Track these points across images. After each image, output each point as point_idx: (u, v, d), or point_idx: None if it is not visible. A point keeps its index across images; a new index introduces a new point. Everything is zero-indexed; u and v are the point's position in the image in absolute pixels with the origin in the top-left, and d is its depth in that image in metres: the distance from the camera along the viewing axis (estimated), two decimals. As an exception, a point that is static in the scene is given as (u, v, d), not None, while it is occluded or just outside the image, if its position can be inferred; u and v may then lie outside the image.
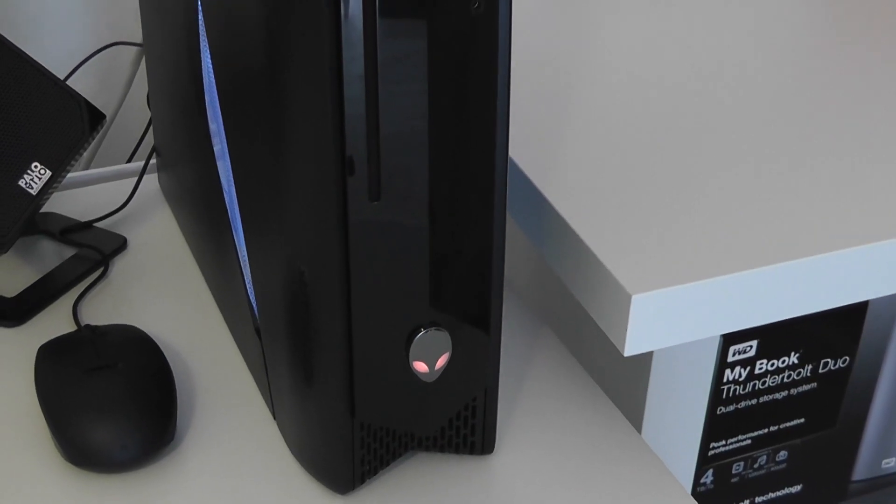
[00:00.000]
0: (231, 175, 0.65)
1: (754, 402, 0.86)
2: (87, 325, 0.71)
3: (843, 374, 0.88)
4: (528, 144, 0.73)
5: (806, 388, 0.87)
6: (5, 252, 0.75)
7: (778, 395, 0.86)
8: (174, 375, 0.69)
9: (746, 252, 0.64)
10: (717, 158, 0.73)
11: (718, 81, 0.81)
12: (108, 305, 0.77)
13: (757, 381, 0.85)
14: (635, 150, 0.73)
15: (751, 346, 0.83)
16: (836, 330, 0.86)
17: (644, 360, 0.81)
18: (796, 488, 0.93)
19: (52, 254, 0.82)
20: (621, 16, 0.91)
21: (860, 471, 0.96)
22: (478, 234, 0.58)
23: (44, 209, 0.86)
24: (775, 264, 0.64)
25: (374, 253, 0.56)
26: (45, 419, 0.66)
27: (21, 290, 0.78)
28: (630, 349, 0.63)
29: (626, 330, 0.62)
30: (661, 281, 0.62)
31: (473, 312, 0.60)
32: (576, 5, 0.93)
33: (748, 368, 0.84)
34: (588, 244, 0.65)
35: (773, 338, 0.83)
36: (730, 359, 0.83)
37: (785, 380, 0.86)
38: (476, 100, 0.55)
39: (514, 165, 0.71)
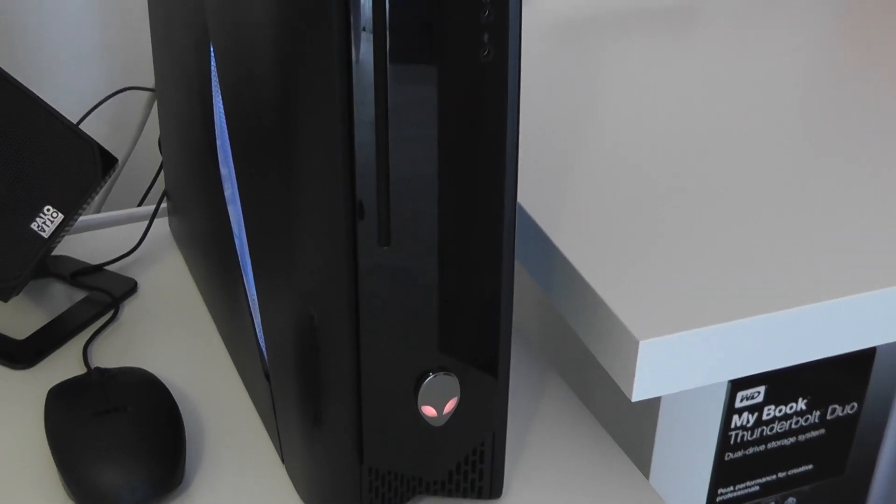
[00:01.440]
0: (241, 219, 0.66)
1: (762, 448, 0.85)
2: (97, 368, 0.71)
3: (851, 420, 0.88)
4: (536, 189, 0.74)
5: (814, 434, 0.87)
6: (17, 294, 0.76)
7: (786, 442, 0.86)
8: (183, 418, 0.70)
9: (754, 298, 0.64)
10: (724, 205, 0.73)
11: (726, 128, 0.82)
12: (117, 348, 0.78)
13: (765, 427, 0.85)
14: (643, 196, 0.74)
15: (758, 392, 0.83)
16: (844, 376, 0.86)
17: (652, 406, 0.81)
18: (805, 535, 0.92)
19: (63, 296, 0.83)
20: (631, 62, 0.91)
21: (869, 518, 0.95)
22: (486, 278, 0.59)
23: (55, 252, 0.87)
24: (783, 310, 0.64)
25: (384, 297, 0.56)
26: (55, 461, 0.66)
27: (31, 332, 0.79)
28: (638, 394, 0.63)
29: (633, 375, 0.62)
30: (668, 326, 0.62)
31: (482, 357, 0.61)
32: (585, 52, 0.93)
33: (756, 414, 0.84)
34: (596, 289, 0.65)
35: (781, 384, 0.83)
36: (738, 404, 0.82)
37: (793, 426, 0.86)
38: (485, 145, 0.55)
39: (523, 210, 0.72)
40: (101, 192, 1.04)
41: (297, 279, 0.58)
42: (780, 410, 0.84)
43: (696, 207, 0.72)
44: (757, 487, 0.87)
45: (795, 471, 0.88)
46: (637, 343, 0.61)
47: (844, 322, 0.66)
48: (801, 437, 0.87)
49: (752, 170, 0.77)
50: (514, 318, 0.62)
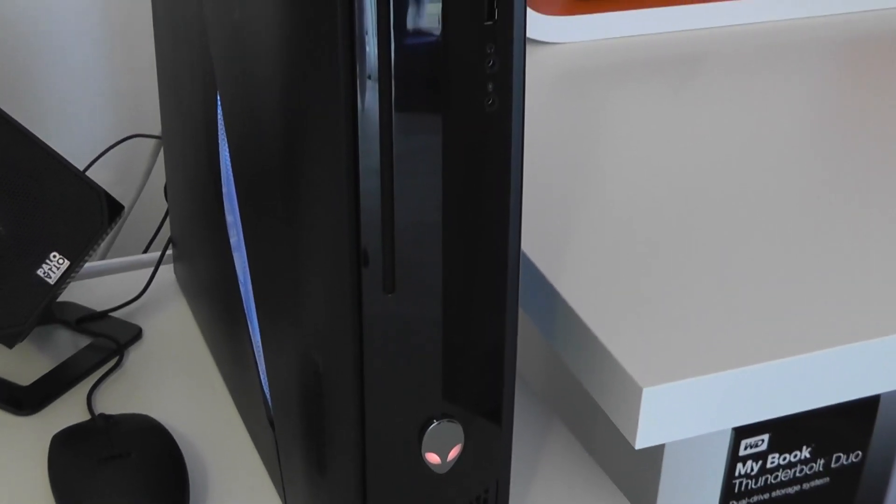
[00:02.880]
0: (247, 266, 0.66)
1: (766, 496, 0.85)
2: (101, 415, 0.72)
3: (855, 468, 0.88)
4: (539, 237, 0.74)
5: (818, 482, 0.87)
6: (22, 340, 0.76)
7: (790, 490, 0.86)
8: (187, 465, 0.70)
9: (758, 345, 0.65)
10: (728, 252, 0.73)
11: (730, 176, 0.82)
12: (122, 395, 0.78)
13: (769, 476, 0.84)
14: (646, 244, 0.74)
15: (762, 440, 0.83)
16: (849, 424, 0.86)
17: (656, 453, 0.81)
18: (810, 585, 0.92)
19: (68, 343, 0.83)
20: (634, 111, 0.92)
21: (875, 567, 0.95)
22: (490, 325, 0.59)
23: (60, 298, 0.87)
24: (786, 357, 0.64)
25: (388, 344, 0.57)
26: (58, 508, 0.66)
27: (36, 378, 0.79)
28: (641, 442, 0.63)
29: (637, 422, 0.62)
30: (672, 374, 0.62)
31: (486, 404, 0.61)
32: (588, 102, 0.94)
33: (760, 462, 0.83)
34: (599, 336, 0.65)
35: (785, 431, 0.83)
36: (741, 452, 0.82)
37: (797, 474, 0.86)
38: (490, 194, 0.56)
39: (526, 258, 0.72)
40: (107, 238, 1.05)
41: (302, 326, 0.59)
42: (785, 458, 0.84)
43: (700, 255, 0.73)
44: (761, 536, 0.87)
45: (800, 519, 0.88)
46: (640, 390, 0.61)
47: (848, 369, 0.66)
48: (806, 486, 0.87)
49: (755, 217, 0.77)
50: (517, 364, 0.62)
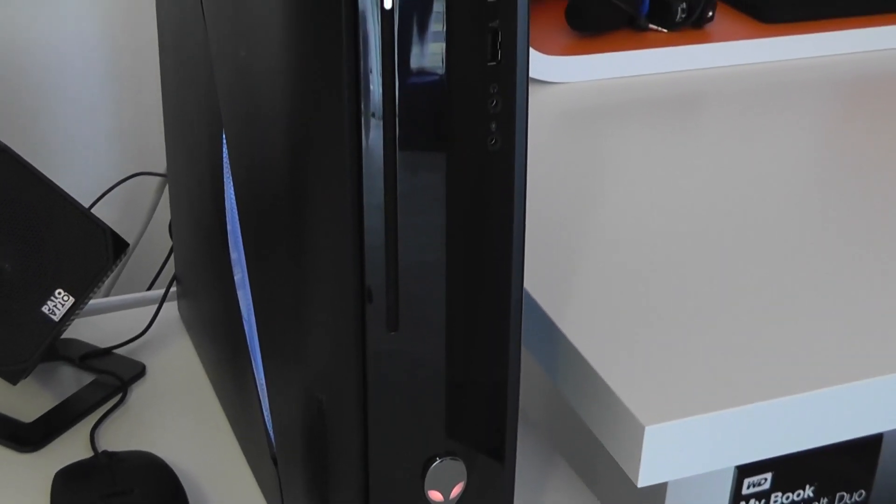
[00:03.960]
0: (251, 303, 0.66)
1: (770, 535, 0.85)
2: (105, 452, 0.72)
3: (859, 507, 0.88)
4: (542, 275, 0.74)
5: (822, 521, 0.87)
6: (26, 377, 0.76)
7: (794, 529, 0.86)
8: (190, 502, 0.70)
9: (761, 383, 0.65)
10: (729, 290, 0.73)
11: (731, 215, 0.83)
12: (125, 432, 0.78)
13: (772, 514, 0.84)
14: (648, 282, 0.74)
15: (765, 479, 0.82)
16: (852, 462, 0.85)
17: (658, 492, 0.80)
18: None
19: (71, 379, 0.83)
20: (637, 150, 0.92)
21: None
22: (493, 363, 0.59)
23: (64, 335, 0.87)
24: (790, 395, 0.64)
25: (392, 382, 0.57)
26: (61, 545, 0.66)
27: (39, 415, 0.79)
28: (644, 480, 0.63)
29: (639, 461, 0.62)
30: (674, 412, 0.62)
31: (488, 442, 0.61)
32: (591, 141, 0.95)
33: (763, 501, 0.83)
34: (601, 374, 0.65)
35: (788, 470, 0.83)
36: (744, 491, 0.82)
37: (800, 513, 0.85)
38: (492, 231, 0.56)
39: (529, 296, 0.72)
40: (111, 275, 1.05)
41: (306, 363, 0.59)
42: (788, 497, 0.84)
43: (702, 293, 0.73)
44: (765, 576, 0.87)
45: (803, 559, 0.88)
46: (643, 429, 0.61)
47: (851, 408, 0.66)
48: (809, 525, 0.86)
49: (757, 256, 0.77)
50: (520, 402, 0.62)
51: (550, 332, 0.70)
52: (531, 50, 0.89)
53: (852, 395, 0.65)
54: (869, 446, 0.86)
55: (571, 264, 0.76)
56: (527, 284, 0.74)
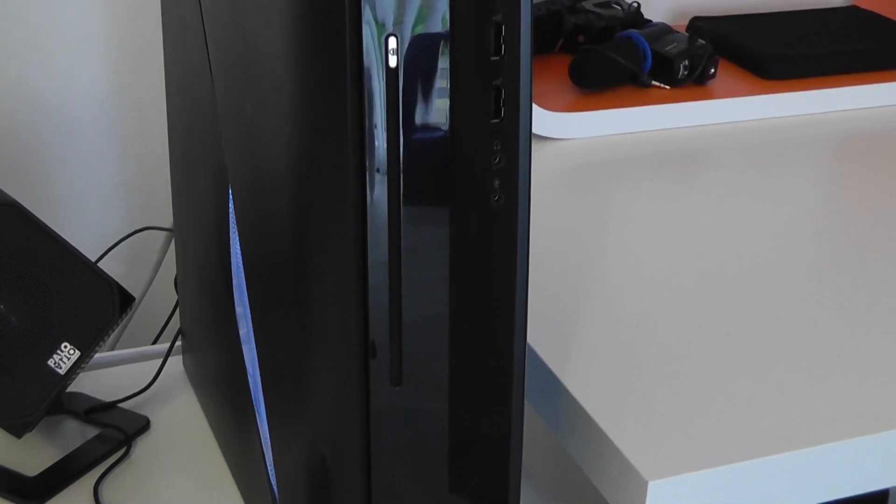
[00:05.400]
0: (255, 358, 0.66)
1: (775, 592, 0.84)
2: (108, 506, 0.72)
3: (864, 564, 0.87)
4: (545, 330, 0.74)
5: (827, 578, 0.86)
6: (30, 431, 0.76)
7: (799, 586, 0.85)
8: (193, 557, 0.69)
9: (764, 437, 0.65)
10: (732, 346, 0.73)
11: (733, 271, 0.83)
12: (129, 486, 0.78)
13: (777, 571, 0.84)
14: (650, 337, 0.74)
15: (770, 535, 0.82)
16: (856, 519, 0.85)
17: (663, 548, 0.80)
18: None
19: (76, 433, 0.83)
20: (639, 206, 0.93)
21: None
22: (497, 418, 0.59)
23: (69, 389, 0.87)
24: (792, 451, 0.64)
25: (395, 437, 0.57)
26: None
27: (43, 469, 0.79)
28: (648, 535, 0.62)
29: (643, 516, 0.62)
30: (678, 467, 0.62)
31: (492, 497, 0.61)
32: (594, 196, 0.95)
33: (768, 557, 0.83)
34: (604, 429, 0.65)
35: (793, 526, 0.83)
36: (749, 547, 0.82)
37: (805, 570, 0.85)
38: (496, 287, 0.56)
39: (532, 351, 0.72)
40: (117, 329, 1.05)
41: (310, 418, 0.59)
42: (792, 554, 0.84)
43: (704, 348, 0.73)
44: None
45: None
46: (646, 483, 0.61)
47: (856, 463, 0.66)
48: (814, 582, 0.86)
49: (759, 312, 0.77)
50: (523, 457, 0.62)
51: (554, 387, 0.70)
52: (534, 106, 0.90)
53: (857, 451, 0.65)
54: (874, 502, 0.85)
55: (574, 319, 0.76)
56: (530, 339, 0.74)
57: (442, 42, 0.52)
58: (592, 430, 0.66)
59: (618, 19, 1.16)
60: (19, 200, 0.76)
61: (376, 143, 0.52)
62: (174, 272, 0.90)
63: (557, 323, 0.76)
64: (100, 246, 0.99)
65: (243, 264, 0.67)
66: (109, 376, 0.89)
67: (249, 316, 0.66)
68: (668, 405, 0.68)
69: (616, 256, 0.84)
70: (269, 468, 0.67)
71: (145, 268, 1.08)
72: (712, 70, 1.10)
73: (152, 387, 0.87)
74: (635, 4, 1.18)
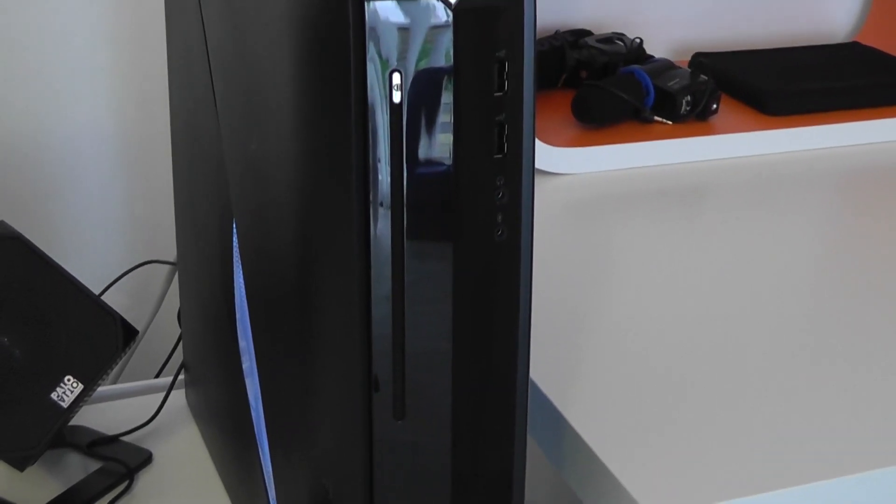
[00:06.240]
0: (259, 392, 0.66)
1: None
2: (110, 540, 0.71)
3: None
4: (547, 365, 0.74)
5: None
6: (33, 464, 0.76)
7: None
8: (194, 591, 0.69)
9: (765, 474, 0.65)
10: (734, 382, 0.73)
11: (735, 307, 0.83)
12: (131, 519, 0.78)
13: None
14: (653, 371, 0.74)
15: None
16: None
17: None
18: None
19: (78, 466, 0.83)
20: (642, 242, 0.93)
21: None
22: (499, 453, 0.59)
23: (71, 422, 0.87)
24: (794, 486, 0.64)
25: (398, 471, 0.57)
26: None
27: (45, 502, 0.79)
28: (651, 571, 0.62)
29: (646, 551, 0.62)
30: (680, 502, 0.62)
31: (494, 531, 0.61)
32: (597, 232, 0.95)
33: None
34: (607, 464, 0.65)
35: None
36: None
37: None
38: (499, 322, 0.56)
39: (534, 385, 0.72)
40: (120, 362, 1.05)
41: (313, 452, 0.59)
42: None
43: (707, 384, 0.73)
44: None
45: None
46: (649, 519, 0.61)
47: (857, 499, 0.66)
48: None
49: (762, 348, 0.78)
50: (525, 491, 0.62)
51: (556, 422, 0.70)
52: (538, 141, 0.90)
53: (859, 485, 0.65)
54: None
55: (577, 354, 0.76)
56: (533, 374, 0.74)
57: (445, 78, 0.52)
58: (595, 464, 0.66)
59: (620, 55, 1.16)
60: (24, 233, 0.76)
61: (380, 178, 0.52)
62: (177, 306, 0.90)
63: (560, 357, 0.76)
64: (104, 279, 0.99)
65: (247, 298, 0.67)
66: (112, 409, 0.89)
67: (252, 350, 0.67)
68: (672, 440, 0.68)
69: (618, 291, 0.84)
70: (272, 502, 0.67)
71: (149, 301, 1.08)
72: (714, 105, 1.11)
73: (155, 420, 0.87)
74: (638, 40, 1.19)
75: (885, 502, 0.66)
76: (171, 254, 1.02)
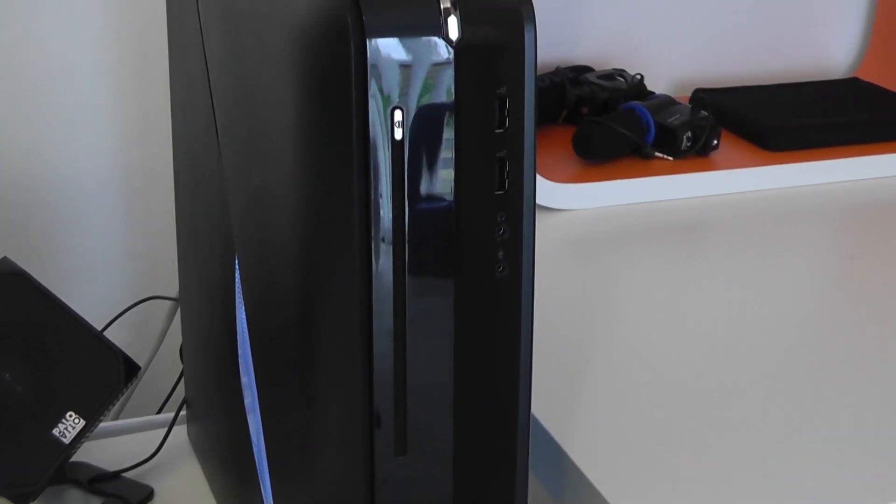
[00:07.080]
0: (260, 428, 0.66)
1: None
2: (111, 577, 0.71)
3: None
4: (549, 400, 0.74)
5: None
6: (34, 501, 0.76)
7: None
8: None
9: (768, 510, 0.65)
10: (734, 418, 0.73)
11: (737, 343, 0.83)
12: (131, 556, 0.77)
13: None
14: (655, 407, 0.74)
15: None
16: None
17: None
18: None
19: (79, 503, 0.83)
20: (642, 273, 0.93)
21: None
22: (501, 489, 0.59)
23: (73, 458, 0.87)
24: (797, 523, 0.64)
25: (399, 506, 0.57)
26: None
27: (46, 539, 0.79)
28: None
29: (648, 588, 0.62)
30: (683, 538, 0.62)
31: (496, 568, 0.60)
32: (598, 267, 0.96)
33: None
34: (608, 499, 0.65)
35: None
36: None
37: None
38: (500, 357, 0.57)
39: (536, 421, 0.72)
40: (122, 398, 1.05)
41: (315, 488, 0.59)
42: None
43: (708, 420, 0.73)
44: None
45: None
46: (651, 555, 0.61)
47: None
48: None
49: (763, 383, 0.78)
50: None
51: (558, 457, 0.70)
52: (538, 177, 0.90)
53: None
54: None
55: (579, 390, 0.76)
56: (534, 409, 0.74)
57: (447, 114, 0.52)
58: (596, 499, 0.66)
59: (621, 91, 1.17)
60: (26, 269, 0.76)
61: (382, 214, 0.52)
62: (179, 341, 0.90)
63: (562, 393, 0.76)
64: (106, 315, 0.99)
65: (249, 333, 0.67)
66: (113, 445, 0.89)
67: (254, 385, 0.67)
68: (672, 476, 0.67)
69: (620, 327, 0.85)
70: (272, 538, 0.67)
71: (150, 337, 1.08)
72: (715, 141, 1.11)
73: (156, 456, 0.87)
74: (638, 76, 1.19)
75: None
76: (173, 290, 1.02)
